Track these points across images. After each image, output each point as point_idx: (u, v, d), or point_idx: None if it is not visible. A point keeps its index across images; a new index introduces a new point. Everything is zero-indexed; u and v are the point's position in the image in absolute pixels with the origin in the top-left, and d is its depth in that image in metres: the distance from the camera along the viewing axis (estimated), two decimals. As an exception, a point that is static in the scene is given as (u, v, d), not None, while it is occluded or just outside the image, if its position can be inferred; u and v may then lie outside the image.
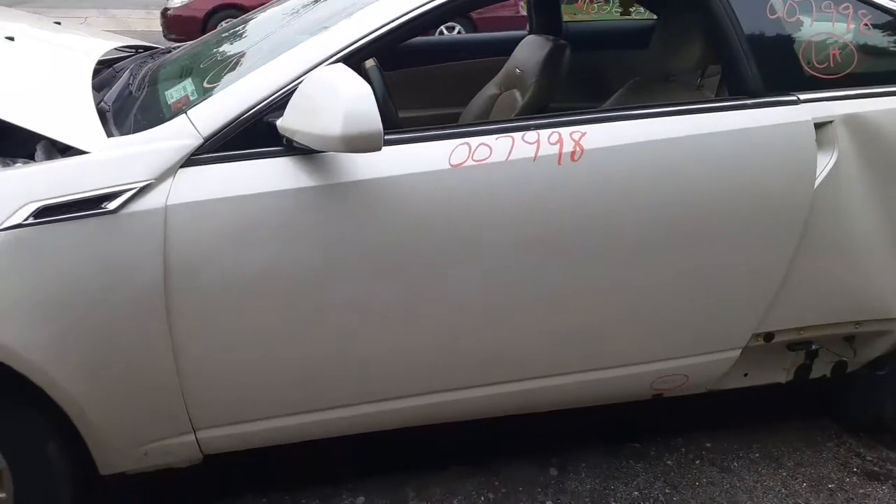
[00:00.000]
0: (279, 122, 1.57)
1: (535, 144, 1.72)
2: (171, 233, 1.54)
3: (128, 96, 1.96)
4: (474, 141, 1.70)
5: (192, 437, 1.73)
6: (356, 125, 1.45)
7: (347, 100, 1.44)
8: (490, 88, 3.06)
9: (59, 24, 2.47)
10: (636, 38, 3.25)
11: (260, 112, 1.61)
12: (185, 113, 1.61)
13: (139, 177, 1.53)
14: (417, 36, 1.86)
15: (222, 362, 1.66)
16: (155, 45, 2.76)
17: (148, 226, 1.53)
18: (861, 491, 2.13)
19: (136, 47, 2.72)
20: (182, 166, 1.57)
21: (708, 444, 2.31)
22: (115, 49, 2.60)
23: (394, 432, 1.96)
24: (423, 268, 1.69)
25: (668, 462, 2.23)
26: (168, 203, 1.54)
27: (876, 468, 2.22)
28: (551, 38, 2.87)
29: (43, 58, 2.05)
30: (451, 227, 1.68)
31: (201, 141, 1.58)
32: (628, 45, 3.24)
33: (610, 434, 2.33)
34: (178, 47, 2.53)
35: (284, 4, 2.36)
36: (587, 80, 3.15)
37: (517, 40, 3.02)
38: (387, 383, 1.80)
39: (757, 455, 2.27)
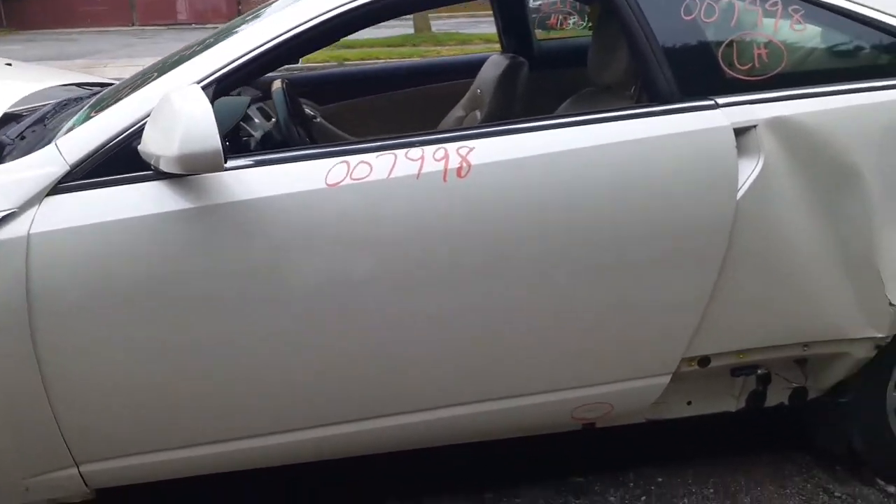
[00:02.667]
0: (139, 147, 1.54)
1: (419, 161, 1.64)
2: (33, 260, 1.52)
3: (42, 128, 1.98)
4: (354, 159, 1.63)
5: (75, 471, 1.69)
6: (192, 145, 1.41)
7: (184, 119, 1.41)
8: (457, 111, 3.00)
9: (9, 64, 2.55)
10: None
11: (129, 137, 1.59)
12: (54, 141, 1.61)
13: (1, 205, 1.53)
14: (297, 57, 1.82)
15: (94, 393, 1.62)
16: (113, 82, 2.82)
17: (9, 254, 1.52)
18: (820, 532, 1.93)
19: (103, 84, 2.78)
20: (49, 194, 1.56)
21: (660, 479, 2.14)
22: (76, 85, 2.67)
23: (322, 463, 1.87)
24: (300, 294, 1.62)
25: (611, 499, 2.07)
26: (31, 231, 1.53)
27: (843, 506, 2.01)
28: (510, 56, 2.80)
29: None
30: (328, 251, 1.61)
31: (67, 168, 1.56)
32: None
33: (557, 466, 2.18)
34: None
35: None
36: (556, 97, 3.05)
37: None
38: (273, 416, 1.72)
39: (711, 491, 2.08)
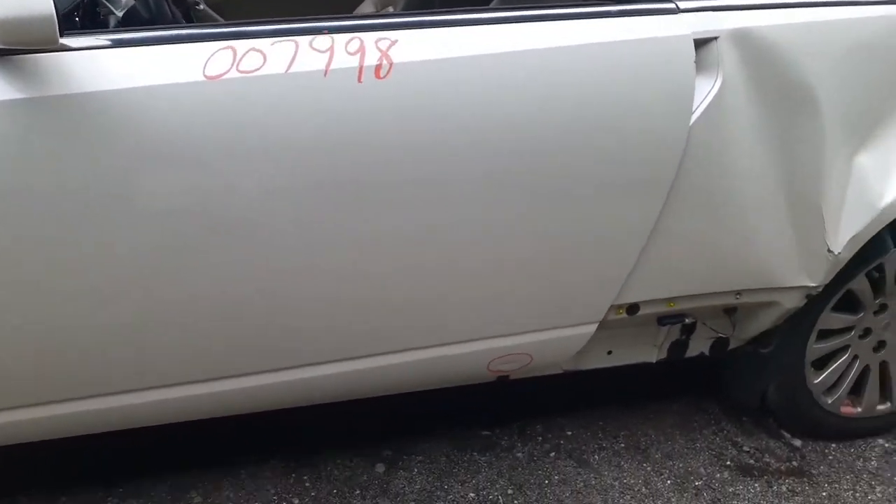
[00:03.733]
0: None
1: (328, 53, 1.30)
2: None
3: None
4: (242, 45, 1.26)
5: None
6: (13, 5, 1.00)
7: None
8: (366, 6, 2.61)
9: None
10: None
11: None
12: None
13: None
14: None
15: None
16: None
17: None
18: (730, 489, 1.82)
19: None
20: None
21: (569, 432, 1.98)
22: None
23: (212, 421, 1.55)
24: (166, 216, 1.25)
25: (519, 455, 1.89)
26: None
27: (751, 461, 1.93)
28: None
29: None
30: (204, 162, 1.24)
31: None
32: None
33: (461, 420, 1.97)
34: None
35: None
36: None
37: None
38: (136, 371, 1.38)
39: (622, 445, 1.95)
